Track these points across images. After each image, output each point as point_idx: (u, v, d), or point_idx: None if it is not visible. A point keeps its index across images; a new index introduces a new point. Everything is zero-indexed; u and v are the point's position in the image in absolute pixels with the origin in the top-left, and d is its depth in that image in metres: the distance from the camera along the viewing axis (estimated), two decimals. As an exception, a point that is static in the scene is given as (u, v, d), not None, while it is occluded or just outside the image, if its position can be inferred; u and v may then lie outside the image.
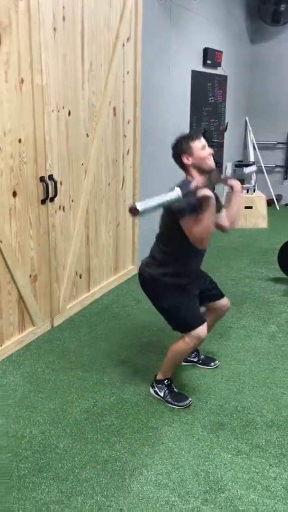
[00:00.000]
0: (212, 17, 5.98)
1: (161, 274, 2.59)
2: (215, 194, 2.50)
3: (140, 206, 1.95)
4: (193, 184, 2.29)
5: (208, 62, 5.90)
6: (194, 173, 2.52)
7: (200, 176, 2.52)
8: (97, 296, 4.09)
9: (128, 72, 4.13)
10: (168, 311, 2.65)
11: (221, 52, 6.28)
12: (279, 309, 3.94)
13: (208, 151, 2.52)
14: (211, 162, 2.54)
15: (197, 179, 2.48)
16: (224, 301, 2.89)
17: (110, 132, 3.99)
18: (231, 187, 2.71)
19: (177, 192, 2.13)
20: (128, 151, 4.30)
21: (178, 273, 2.58)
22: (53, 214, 3.38)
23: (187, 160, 2.51)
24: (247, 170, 3.01)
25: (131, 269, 4.63)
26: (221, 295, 2.90)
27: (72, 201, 3.59)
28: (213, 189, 2.54)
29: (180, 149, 2.52)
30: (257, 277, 4.66)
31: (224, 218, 2.73)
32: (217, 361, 3.08)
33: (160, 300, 2.66)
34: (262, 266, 5.00)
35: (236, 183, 2.71)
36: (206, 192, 2.34)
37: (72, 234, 3.64)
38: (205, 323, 2.60)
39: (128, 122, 4.25)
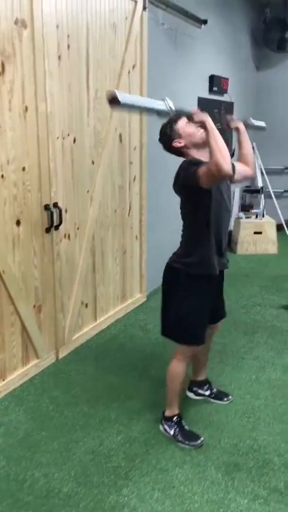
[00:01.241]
0: (217, 45, 6.01)
1: (184, 264, 2.42)
2: (225, 137, 2.31)
3: (120, 95, 1.75)
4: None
5: (215, 88, 5.89)
6: (193, 152, 2.37)
7: (200, 152, 2.36)
8: (103, 326, 3.97)
9: (134, 99, 4.09)
10: (179, 309, 2.45)
11: (227, 79, 6.28)
12: (293, 338, 3.78)
13: (193, 125, 2.34)
14: (202, 134, 2.33)
15: (199, 156, 2.34)
16: (219, 323, 2.78)
17: (116, 159, 3.93)
18: (237, 129, 2.63)
19: (167, 103, 1.98)
20: (134, 178, 4.24)
21: (201, 261, 2.39)
22: (58, 242, 3.30)
23: (179, 144, 2.37)
24: (255, 121, 2.89)
25: (138, 297, 4.51)
26: (224, 317, 2.78)
27: (78, 228, 3.51)
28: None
29: (167, 138, 2.39)
30: (269, 305, 4.52)
31: (241, 165, 2.62)
32: (230, 396, 2.93)
33: (175, 294, 2.47)
34: (274, 293, 4.85)
35: (240, 124, 2.63)
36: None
37: (78, 262, 3.55)
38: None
39: (135, 149, 4.20)
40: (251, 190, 7.45)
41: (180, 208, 2.51)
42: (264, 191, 7.37)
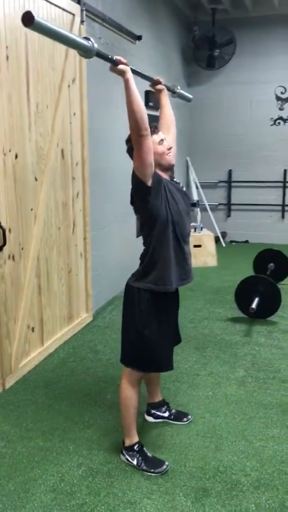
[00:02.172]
0: (151, 61, 6.05)
1: (143, 282, 2.32)
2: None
3: (36, 15, 1.65)
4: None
5: (151, 104, 5.91)
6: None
7: (162, 172, 2.32)
8: (51, 350, 3.78)
9: (74, 114, 3.99)
10: (140, 335, 2.33)
11: (161, 94, 6.33)
12: (243, 351, 3.80)
13: (166, 145, 2.33)
14: (170, 158, 2.34)
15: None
16: None
17: (59, 175, 3.79)
18: (159, 90, 2.76)
19: (89, 41, 1.93)
20: (77, 194, 4.12)
21: (160, 276, 2.29)
22: (2, 264, 3.09)
23: None
24: (182, 91, 3.06)
25: (85, 317, 4.36)
26: (180, 341, 2.72)
27: (22, 249, 3.32)
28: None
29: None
30: (215, 318, 4.54)
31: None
32: (190, 416, 2.86)
33: (134, 317, 2.34)
34: (218, 305, 4.89)
35: (161, 86, 2.75)
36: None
37: (23, 285, 3.35)
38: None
39: (77, 164, 4.08)
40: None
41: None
42: (199, 204, 7.50)
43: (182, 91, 3.00)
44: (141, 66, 5.65)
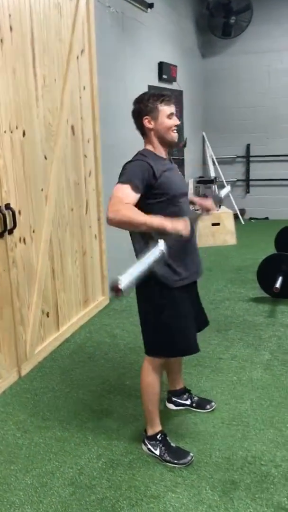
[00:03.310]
0: (164, 31, 5.78)
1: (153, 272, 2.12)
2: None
3: (123, 283, 1.57)
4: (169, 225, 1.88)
5: (164, 76, 5.67)
6: (155, 141, 2.16)
7: (162, 147, 2.15)
8: (67, 335, 3.66)
9: (84, 88, 3.79)
10: (159, 323, 2.19)
11: (175, 66, 6.07)
12: (267, 333, 3.63)
13: (175, 121, 2.15)
14: (175, 135, 2.17)
15: (158, 151, 2.15)
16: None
17: (70, 152, 3.62)
18: (207, 210, 2.44)
19: (160, 248, 1.78)
20: (90, 173, 3.94)
21: (170, 270, 2.14)
22: (13, 248, 2.95)
23: (148, 124, 2.13)
24: (223, 193, 2.75)
25: (101, 300, 4.23)
26: (207, 324, 2.55)
27: (34, 231, 3.18)
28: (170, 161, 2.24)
29: (144, 106, 2.12)
30: (237, 298, 4.37)
31: None
32: (213, 403, 2.71)
33: (150, 305, 2.20)
34: (240, 285, 4.71)
35: (211, 205, 2.44)
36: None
37: (35, 269, 3.22)
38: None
39: (88, 141, 3.89)
40: (205, 181, 7.31)
41: None
42: (216, 181, 7.26)
43: (222, 194, 2.75)
44: (153, 35, 5.39)
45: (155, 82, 5.55)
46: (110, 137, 4.36)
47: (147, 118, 2.13)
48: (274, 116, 7.41)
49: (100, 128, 4.05)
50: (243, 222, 7.56)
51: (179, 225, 1.89)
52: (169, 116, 2.13)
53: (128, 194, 1.96)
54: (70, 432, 2.54)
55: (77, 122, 3.70)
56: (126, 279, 1.61)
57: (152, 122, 2.13)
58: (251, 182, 7.79)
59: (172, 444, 2.34)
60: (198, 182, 7.23)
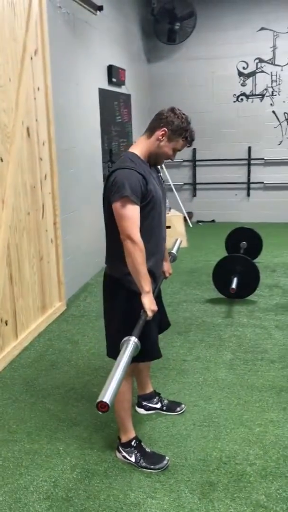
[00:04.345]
0: (113, 34, 5.76)
1: (124, 275, 2.13)
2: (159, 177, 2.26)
3: (107, 397, 1.56)
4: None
5: (114, 80, 5.64)
6: (148, 151, 2.16)
7: (147, 157, 2.17)
8: (26, 344, 3.54)
9: (38, 89, 3.70)
10: (124, 326, 2.16)
11: (124, 70, 6.07)
12: (227, 333, 3.70)
13: (174, 156, 2.23)
14: (163, 162, 2.28)
15: (144, 157, 2.16)
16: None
17: (26, 155, 3.51)
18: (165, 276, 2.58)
19: (133, 341, 1.84)
20: (45, 176, 3.84)
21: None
22: (-29, 254, 2.82)
23: (160, 136, 2.14)
24: (175, 249, 2.91)
25: (58, 306, 4.13)
26: (169, 325, 2.58)
27: (-9, 237, 3.05)
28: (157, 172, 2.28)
29: (175, 125, 2.14)
30: (194, 300, 4.42)
31: None
32: (183, 405, 2.71)
33: (118, 308, 2.21)
34: (195, 287, 4.77)
35: (168, 269, 2.60)
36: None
37: (-6, 276, 3.09)
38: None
39: (43, 144, 3.80)
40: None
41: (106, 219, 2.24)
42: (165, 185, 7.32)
43: (175, 250, 2.91)
44: (103, 38, 5.37)
45: (105, 85, 5.52)
46: (65, 140, 4.28)
47: (164, 131, 2.14)
48: (218, 121, 7.59)
49: (55, 130, 3.96)
50: (191, 225, 7.67)
51: (151, 307, 2.05)
52: (176, 150, 2.20)
53: (136, 212, 2.02)
54: (40, 443, 2.46)
55: (32, 123, 3.60)
56: (109, 396, 1.57)
57: (164, 139, 2.15)
58: (197, 186, 7.93)
59: (147, 449, 2.32)
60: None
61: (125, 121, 6.34)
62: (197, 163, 7.82)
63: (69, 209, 4.39)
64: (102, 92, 5.35)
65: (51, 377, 3.11)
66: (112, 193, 2.04)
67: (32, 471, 2.26)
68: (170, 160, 2.27)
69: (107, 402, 1.54)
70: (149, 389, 2.72)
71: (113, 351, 2.22)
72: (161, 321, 2.46)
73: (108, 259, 2.28)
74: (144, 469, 2.24)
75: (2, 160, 3.18)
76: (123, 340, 1.89)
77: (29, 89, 3.53)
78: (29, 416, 2.70)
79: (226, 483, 2.16)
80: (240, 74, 7.47)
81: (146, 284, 2.05)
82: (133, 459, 2.28)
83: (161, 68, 7.64)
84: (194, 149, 7.73)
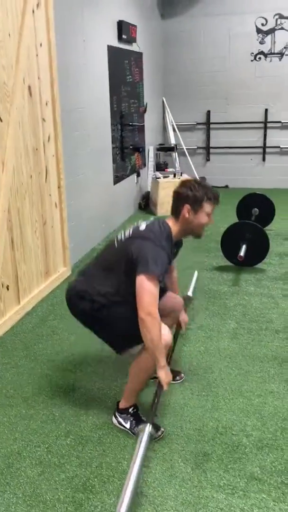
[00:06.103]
0: (123, -13, 5.49)
1: (110, 301, 2.17)
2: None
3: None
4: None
5: (124, 36, 5.41)
6: (181, 228, 2.19)
7: (183, 235, 2.22)
8: (28, 309, 3.52)
9: (41, 44, 3.54)
10: (119, 325, 2.19)
11: (135, 26, 5.81)
12: (232, 301, 3.62)
13: (211, 220, 2.21)
14: (204, 233, 2.26)
15: (176, 236, 2.19)
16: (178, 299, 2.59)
17: (27, 115, 3.39)
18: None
19: (147, 431, 1.96)
20: (49, 138, 3.73)
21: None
22: None
23: (186, 213, 2.14)
24: (190, 290, 3.31)
25: (63, 271, 4.09)
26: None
27: (-10, 200, 2.98)
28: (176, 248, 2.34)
29: (191, 195, 2.13)
30: (200, 267, 4.33)
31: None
32: (182, 374, 2.68)
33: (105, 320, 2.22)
34: (203, 254, 4.68)
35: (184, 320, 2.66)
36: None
37: (-7, 240, 3.04)
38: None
39: (46, 104, 3.67)
40: (165, 148, 7.17)
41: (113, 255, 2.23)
42: (177, 148, 7.14)
43: (190, 293, 3.33)
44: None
45: (115, 43, 5.30)
46: (70, 100, 4.13)
47: (187, 207, 2.13)
48: (234, 82, 7.29)
49: (59, 90, 3.82)
50: (203, 190, 7.49)
51: (166, 380, 2.07)
52: (208, 214, 2.16)
53: (158, 290, 2.02)
54: (36, 409, 2.45)
55: (34, 82, 3.46)
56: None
57: (191, 213, 2.13)
58: (211, 150, 7.71)
59: (143, 418, 2.28)
60: (159, 149, 7.08)
61: (136, 81, 6.12)
62: (211, 125, 7.57)
63: (74, 173, 4.29)
64: (111, 49, 5.14)
65: (51, 343, 3.09)
66: (143, 261, 2.02)
67: (26, 437, 2.25)
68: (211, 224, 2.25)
69: None
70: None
71: (123, 343, 2.24)
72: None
73: (94, 287, 2.22)
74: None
75: (1, 120, 3.07)
76: (138, 429, 2.07)
77: (30, 45, 3.38)
78: (27, 381, 2.69)
79: (221, 453, 2.12)
80: (259, 31, 7.11)
81: (162, 358, 2.05)
82: (128, 425, 2.26)
83: (176, 25, 7.31)
84: (208, 111, 7.48)
